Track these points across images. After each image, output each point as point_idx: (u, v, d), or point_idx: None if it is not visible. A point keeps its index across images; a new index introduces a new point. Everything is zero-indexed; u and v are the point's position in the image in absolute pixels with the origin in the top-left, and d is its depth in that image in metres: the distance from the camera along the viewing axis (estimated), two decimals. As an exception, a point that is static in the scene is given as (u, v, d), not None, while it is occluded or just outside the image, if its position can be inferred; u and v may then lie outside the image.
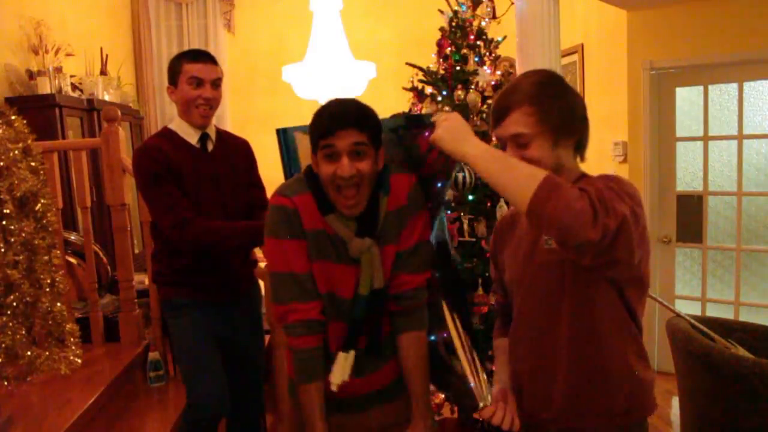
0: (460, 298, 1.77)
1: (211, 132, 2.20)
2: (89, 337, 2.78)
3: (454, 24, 2.58)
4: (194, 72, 2.04)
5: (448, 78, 2.55)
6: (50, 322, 1.61)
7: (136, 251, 3.94)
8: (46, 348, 1.61)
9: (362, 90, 4.27)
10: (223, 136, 2.27)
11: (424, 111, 2.63)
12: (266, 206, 1.57)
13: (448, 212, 2.40)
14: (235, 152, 2.27)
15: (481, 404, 1.35)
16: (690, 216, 3.77)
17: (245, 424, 2.33)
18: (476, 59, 2.52)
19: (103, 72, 4.34)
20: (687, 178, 3.81)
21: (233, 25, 5.51)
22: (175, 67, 2.08)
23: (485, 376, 1.40)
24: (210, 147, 2.18)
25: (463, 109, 2.48)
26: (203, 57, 2.09)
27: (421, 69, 2.63)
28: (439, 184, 1.61)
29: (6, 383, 1.56)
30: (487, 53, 2.57)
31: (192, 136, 2.13)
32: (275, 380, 2.66)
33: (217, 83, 2.11)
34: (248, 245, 2.17)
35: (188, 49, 2.14)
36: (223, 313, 2.18)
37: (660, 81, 3.73)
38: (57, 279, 1.64)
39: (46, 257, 1.60)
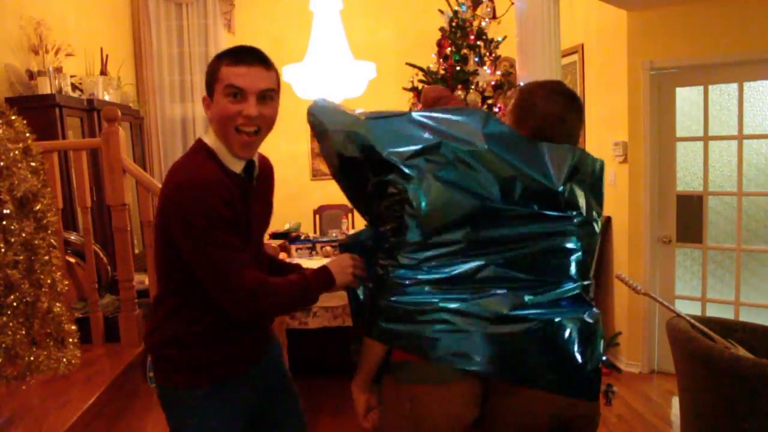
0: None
1: (255, 156, 1.54)
2: (89, 337, 2.79)
3: (454, 24, 2.58)
4: (234, 79, 1.38)
5: (448, 78, 2.55)
6: (50, 322, 1.61)
7: (136, 251, 3.94)
8: (45, 348, 1.61)
9: (362, 90, 4.27)
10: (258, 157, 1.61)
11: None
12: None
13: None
14: (265, 178, 1.64)
15: None
16: (690, 216, 3.77)
17: None
18: (476, 59, 2.53)
19: (103, 72, 4.34)
20: (687, 178, 3.80)
21: (233, 25, 5.51)
22: (212, 72, 1.43)
23: None
24: (255, 174, 1.55)
25: (463, 109, 2.48)
26: (249, 57, 1.40)
27: (421, 69, 2.64)
28: None
29: (6, 383, 1.56)
30: (487, 53, 2.58)
31: (235, 164, 1.47)
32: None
33: (268, 95, 1.42)
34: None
35: (234, 46, 1.46)
36: (251, 380, 1.58)
37: (660, 81, 3.73)
38: (57, 279, 1.64)
39: (46, 257, 1.60)
